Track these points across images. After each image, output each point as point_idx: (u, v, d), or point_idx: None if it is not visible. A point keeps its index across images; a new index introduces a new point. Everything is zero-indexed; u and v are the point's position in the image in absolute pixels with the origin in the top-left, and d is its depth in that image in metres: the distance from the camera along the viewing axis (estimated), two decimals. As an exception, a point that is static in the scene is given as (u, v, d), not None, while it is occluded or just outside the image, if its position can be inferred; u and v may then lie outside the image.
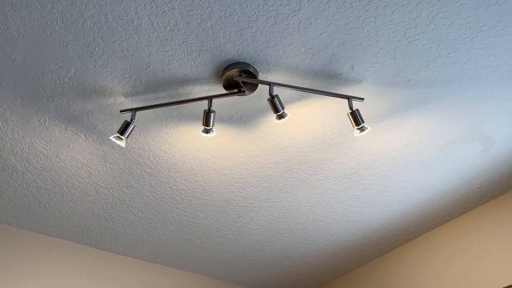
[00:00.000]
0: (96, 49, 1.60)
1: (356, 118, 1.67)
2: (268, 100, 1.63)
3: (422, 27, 1.53)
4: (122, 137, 1.70)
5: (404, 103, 1.84)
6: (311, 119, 1.90)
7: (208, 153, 2.09)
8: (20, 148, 2.04)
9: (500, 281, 2.22)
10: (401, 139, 2.02)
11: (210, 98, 1.71)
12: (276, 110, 1.63)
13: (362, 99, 1.69)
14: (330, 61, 1.65)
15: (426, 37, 1.57)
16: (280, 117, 1.65)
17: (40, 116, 1.87)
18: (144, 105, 1.82)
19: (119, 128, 1.75)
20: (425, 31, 1.55)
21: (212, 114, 1.69)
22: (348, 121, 1.92)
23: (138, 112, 1.85)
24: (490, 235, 2.36)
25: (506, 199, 2.35)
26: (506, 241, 2.27)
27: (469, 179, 2.27)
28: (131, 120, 1.72)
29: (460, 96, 1.81)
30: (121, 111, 1.77)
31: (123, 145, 1.75)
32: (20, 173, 2.18)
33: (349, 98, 1.69)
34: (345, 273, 3.18)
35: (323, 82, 1.74)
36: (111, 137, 1.71)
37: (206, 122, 1.69)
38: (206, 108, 1.71)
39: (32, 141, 2.00)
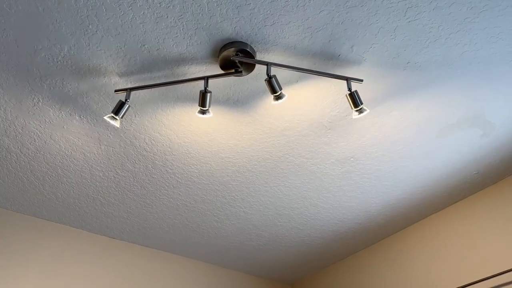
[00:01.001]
0: (90, 27, 1.56)
1: (355, 99, 1.64)
2: (265, 80, 1.60)
3: (423, 6, 1.50)
4: (116, 117, 1.67)
5: (403, 85, 1.81)
6: (309, 102, 1.88)
7: (205, 136, 2.06)
8: (14, 129, 2.01)
9: (498, 266, 2.22)
10: (399, 123, 1.99)
11: (206, 78, 1.68)
12: (273, 90, 1.60)
13: (361, 80, 1.67)
14: (329, 41, 1.62)
15: (427, 17, 1.54)
16: (278, 98, 1.62)
17: (33, 96, 1.84)
18: (139, 85, 1.79)
19: (113, 108, 1.71)
20: (426, 11, 1.51)
21: (209, 94, 1.66)
22: (347, 104, 1.89)
23: (133, 93, 1.82)
24: (488, 221, 2.35)
25: (505, 184, 2.34)
26: (505, 226, 2.26)
27: (467, 164, 2.25)
28: (126, 100, 1.69)
29: (460, 79, 1.78)
30: (115, 90, 1.74)
31: (118, 126, 1.72)
32: (14, 155, 2.16)
33: (348, 79, 1.66)
34: (341, 259, 3.17)
35: (322, 63, 1.71)
36: (105, 117, 1.68)
37: (203, 103, 1.66)
38: (203, 88, 1.67)
39: (26, 122, 1.97)
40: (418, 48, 1.65)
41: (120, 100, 1.68)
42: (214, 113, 1.92)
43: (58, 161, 2.20)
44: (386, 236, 2.90)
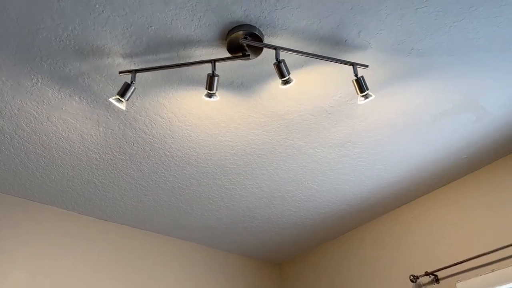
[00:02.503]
0: (97, 6, 1.53)
1: (361, 85, 1.67)
2: (274, 64, 1.60)
3: (432, -6, 1.53)
4: (122, 99, 1.65)
5: (405, 71, 1.85)
6: (313, 86, 1.90)
7: (206, 119, 2.06)
8: (9, 109, 1.95)
9: (484, 247, 2.32)
10: (398, 107, 2.04)
11: (213, 62, 1.67)
12: (282, 75, 1.61)
13: (367, 66, 1.69)
14: (338, 26, 1.63)
15: (434, 5, 1.56)
16: (286, 82, 1.63)
17: (32, 77, 1.80)
18: (143, 67, 1.77)
19: (119, 90, 1.69)
20: (433, -1, 1.54)
21: (216, 78, 1.66)
22: (348, 89, 1.92)
23: (137, 75, 1.80)
24: (475, 203, 2.45)
25: (492, 168, 2.43)
26: (492, 208, 2.36)
27: (458, 149, 2.33)
28: (132, 82, 1.67)
29: (459, 66, 1.83)
30: (120, 72, 1.72)
31: (123, 108, 1.70)
32: (8, 136, 2.10)
33: (354, 65, 1.68)
34: (329, 240, 3.25)
35: (328, 48, 1.72)
36: (111, 99, 1.66)
37: (210, 86, 1.66)
38: (210, 72, 1.67)
39: (23, 102, 1.92)
40: (423, 35, 1.68)
41: (125, 82, 1.66)
42: (218, 95, 1.92)
43: (54, 143, 2.16)
44: (375, 217, 2.98)
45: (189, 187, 2.55)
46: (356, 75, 1.67)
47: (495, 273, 2.22)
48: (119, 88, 1.85)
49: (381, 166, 2.44)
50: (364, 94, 1.68)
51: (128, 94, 1.66)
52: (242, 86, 1.89)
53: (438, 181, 2.61)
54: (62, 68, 1.77)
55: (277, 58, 1.60)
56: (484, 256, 2.30)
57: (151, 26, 1.61)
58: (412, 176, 2.55)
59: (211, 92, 1.67)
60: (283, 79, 1.63)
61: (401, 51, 1.75)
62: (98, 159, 2.29)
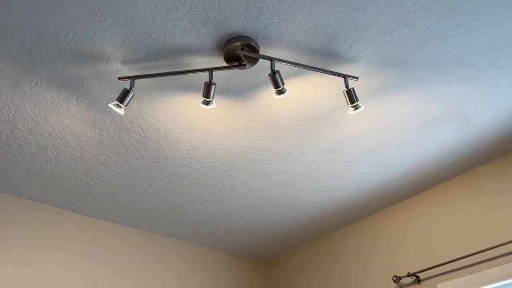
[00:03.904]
0: (99, 14, 1.57)
1: (351, 96, 1.75)
2: (269, 75, 1.67)
3: (420, 12, 1.61)
4: (121, 104, 1.70)
5: (394, 83, 1.93)
6: (305, 95, 1.97)
7: (200, 123, 2.12)
8: (7, 110, 1.99)
9: (464, 250, 2.44)
10: (386, 116, 2.12)
11: (211, 70, 1.73)
12: (277, 85, 1.68)
13: (357, 78, 1.77)
14: (330, 40, 1.70)
15: (422, 22, 1.65)
16: (280, 92, 1.70)
17: (32, 79, 1.83)
18: (141, 73, 1.82)
19: (118, 95, 1.74)
20: (422, 16, 1.62)
21: (213, 86, 1.72)
22: (339, 99, 1.99)
23: (135, 81, 1.84)
24: (457, 208, 2.56)
25: (473, 175, 2.54)
26: (472, 212, 2.47)
27: (442, 155, 2.43)
28: (131, 88, 1.72)
29: (445, 78, 1.92)
30: (119, 78, 1.76)
31: (122, 113, 1.75)
32: (4, 136, 2.13)
33: (345, 76, 1.76)
34: (318, 238, 3.34)
35: (321, 60, 1.79)
36: (110, 104, 1.71)
37: (207, 94, 1.72)
38: (207, 80, 1.73)
39: (21, 104, 1.95)
40: (411, 49, 1.76)
41: (125, 88, 1.71)
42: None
43: (50, 143, 2.19)
44: (361, 219, 3.08)
45: (181, 188, 2.61)
46: (347, 86, 1.75)
47: (474, 275, 2.34)
48: (117, 93, 1.91)
49: (368, 170, 2.53)
50: (354, 105, 1.76)
51: (127, 100, 1.71)
52: (237, 93, 1.95)
53: (422, 186, 2.71)
54: (61, 72, 1.80)
55: (272, 69, 1.67)
56: (464, 259, 2.41)
57: (151, 35, 1.66)
58: (397, 181, 2.64)
59: (208, 99, 1.73)
60: (277, 89, 1.69)
61: (390, 64, 1.83)
62: (93, 159, 2.33)
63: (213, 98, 1.74)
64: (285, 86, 1.71)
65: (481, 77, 1.92)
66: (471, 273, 2.35)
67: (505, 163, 2.43)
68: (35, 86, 1.86)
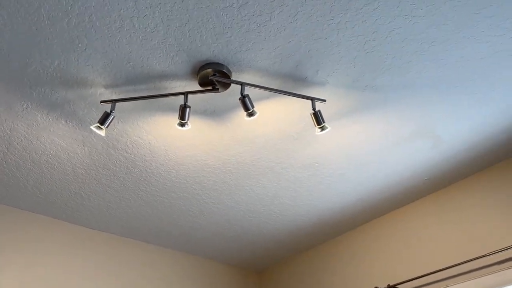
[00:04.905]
0: (80, 45, 1.71)
1: (318, 118, 1.85)
2: (239, 99, 1.78)
3: (379, 40, 1.71)
4: (102, 127, 1.83)
5: (362, 104, 2.03)
6: (278, 116, 2.08)
7: (183, 141, 2.24)
8: (2, 130, 2.13)
9: (440, 263, 2.50)
10: (359, 135, 2.22)
11: (186, 94, 1.85)
12: (246, 108, 1.79)
13: (324, 100, 1.87)
14: (297, 66, 1.81)
15: (383, 50, 1.75)
16: (250, 114, 1.81)
17: (23, 102, 1.98)
18: (124, 97, 1.95)
19: (99, 118, 1.87)
20: (382, 44, 1.72)
21: (188, 109, 1.84)
22: (311, 119, 2.09)
23: (117, 103, 1.98)
24: (436, 221, 2.63)
25: (452, 189, 2.61)
26: (450, 226, 2.54)
27: (419, 171, 2.51)
28: (111, 111, 1.85)
29: (412, 99, 2.01)
30: (101, 101, 1.90)
31: (103, 135, 1.88)
32: (1, 153, 2.28)
33: (312, 99, 1.86)
34: (305, 250, 3.43)
35: (291, 83, 1.90)
36: (92, 127, 1.84)
37: (182, 116, 1.84)
38: (182, 103, 1.85)
39: (14, 124, 2.10)
40: (375, 74, 1.86)
41: (105, 111, 1.84)
42: (192, 121, 2.10)
43: (43, 159, 2.34)
44: (346, 231, 3.16)
45: (170, 201, 2.73)
46: (314, 109, 1.85)
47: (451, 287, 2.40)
48: (101, 114, 2.04)
49: (348, 184, 2.61)
50: (321, 126, 1.86)
51: (107, 122, 1.83)
52: (215, 113, 2.07)
53: (402, 200, 2.79)
54: (49, 96, 1.95)
55: (242, 93, 1.78)
56: (442, 271, 2.47)
57: (129, 62, 1.79)
58: (378, 195, 2.73)
59: (183, 121, 1.85)
60: (247, 111, 1.81)
61: (356, 87, 1.93)
62: (84, 174, 2.46)
63: (188, 120, 1.86)
64: (255, 109, 1.82)
65: (447, 98, 2.01)
66: (447, 286, 2.42)
67: (480, 179, 2.50)
68: (26, 108, 2.01)
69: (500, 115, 2.12)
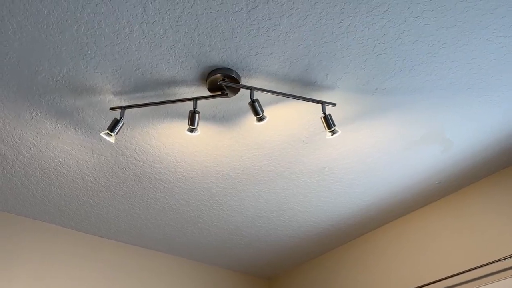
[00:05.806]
0: (89, 52, 1.71)
1: (328, 122, 1.83)
2: (249, 104, 1.77)
3: (390, 43, 1.69)
4: (111, 133, 1.83)
5: (372, 107, 2.01)
6: (288, 120, 2.06)
7: (191, 147, 2.23)
8: (11, 138, 2.13)
9: (454, 267, 2.47)
10: (369, 139, 2.20)
11: (195, 100, 1.84)
12: (256, 113, 1.78)
13: (334, 104, 1.86)
14: (306, 69, 1.80)
15: (393, 52, 1.73)
16: (260, 119, 1.80)
17: (32, 110, 1.98)
18: (133, 103, 1.94)
19: (109, 125, 1.86)
20: (392, 46, 1.71)
21: (197, 114, 1.83)
22: (321, 123, 2.08)
23: (126, 110, 1.97)
24: (447, 225, 2.59)
25: (463, 194, 2.58)
26: (461, 231, 2.51)
27: (430, 175, 2.48)
28: (120, 118, 1.85)
29: (422, 102, 1.99)
30: (110, 108, 1.89)
31: (113, 141, 1.87)
32: (10, 162, 2.28)
33: (322, 103, 1.85)
34: (316, 257, 3.40)
35: (300, 88, 1.89)
36: (101, 133, 1.83)
37: (191, 122, 1.83)
38: (192, 108, 1.84)
39: (23, 132, 2.10)
40: (385, 77, 1.85)
41: (115, 118, 1.84)
42: (201, 127, 2.09)
43: (52, 167, 2.33)
44: (357, 237, 3.13)
45: (178, 208, 2.71)
46: (324, 112, 1.83)
47: (464, 292, 2.37)
48: (111, 121, 2.03)
49: (357, 190, 2.59)
50: (331, 130, 1.84)
51: (117, 129, 1.83)
52: (224, 119, 2.06)
53: (413, 204, 2.76)
54: (58, 104, 1.94)
55: (251, 98, 1.77)
56: (454, 277, 2.43)
57: (138, 69, 1.79)
58: (389, 199, 2.70)
59: (193, 127, 1.84)
60: (257, 116, 1.79)
61: (366, 91, 1.91)
62: (93, 182, 2.46)
63: (197, 125, 1.85)
64: (265, 113, 1.81)
65: (458, 101, 1.99)
66: (461, 291, 2.38)
67: (492, 182, 2.47)
68: (35, 116, 2.01)
69: (512, 117, 2.10)
